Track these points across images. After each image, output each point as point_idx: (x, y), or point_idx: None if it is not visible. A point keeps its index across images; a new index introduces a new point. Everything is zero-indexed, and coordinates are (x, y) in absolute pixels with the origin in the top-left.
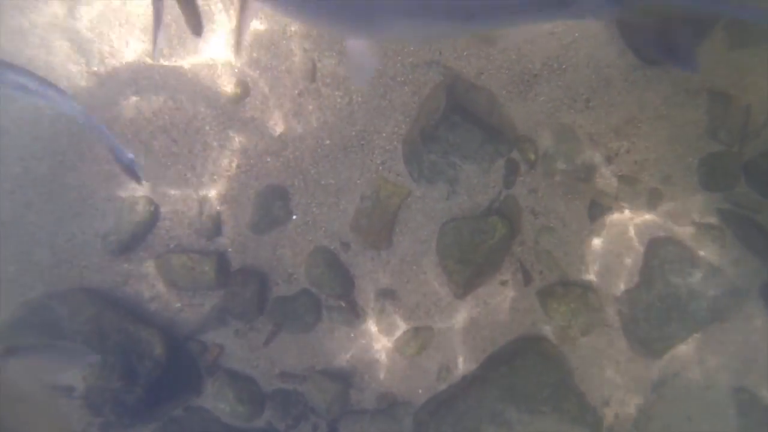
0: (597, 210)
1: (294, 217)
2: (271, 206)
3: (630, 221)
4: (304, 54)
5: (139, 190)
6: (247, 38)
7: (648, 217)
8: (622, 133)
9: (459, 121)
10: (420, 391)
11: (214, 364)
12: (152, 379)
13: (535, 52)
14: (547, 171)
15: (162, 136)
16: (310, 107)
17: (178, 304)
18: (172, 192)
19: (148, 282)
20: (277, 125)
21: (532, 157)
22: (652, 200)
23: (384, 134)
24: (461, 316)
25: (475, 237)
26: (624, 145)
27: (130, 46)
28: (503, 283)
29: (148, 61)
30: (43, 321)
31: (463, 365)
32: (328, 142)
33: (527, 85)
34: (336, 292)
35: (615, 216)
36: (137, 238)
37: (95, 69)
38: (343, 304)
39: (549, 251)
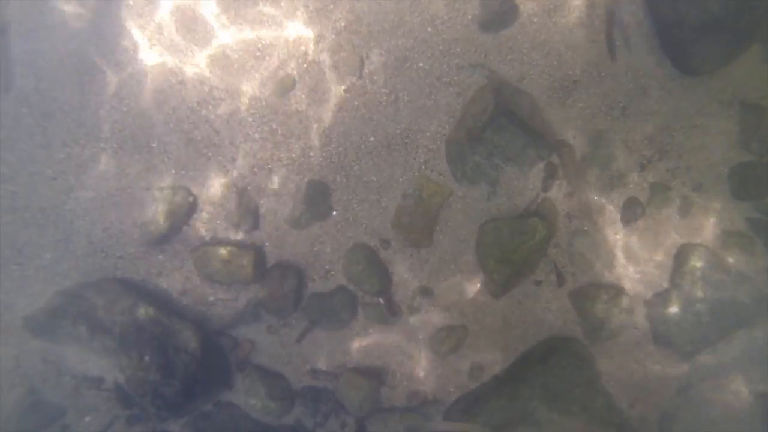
0: (629, 215)
1: (334, 213)
2: (312, 201)
3: (661, 227)
4: (352, 49)
5: (178, 180)
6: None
7: (679, 223)
8: (656, 141)
9: (505, 124)
10: (451, 389)
11: (245, 360)
12: (189, 373)
13: (576, 59)
14: (583, 176)
15: (204, 126)
16: (356, 103)
17: (212, 298)
18: (211, 183)
19: (183, 274)
20: (322, 120)
21: (572, 162)
22: (684, 207)
23: (428, 134)
24: (495, 315)
25: (515, 238)
26: (657, 153)
27: (179, 37)
28: (537, 284)
29: (195, 51)
30: (80, 310)
31: (495, 364)
32: (372, 139)
33: (566, 91)
34: (374, 289)
35: (647, 222)
36: (174, 229)
37: (142, 57)
38: (381, 302)
39: (582, 254)
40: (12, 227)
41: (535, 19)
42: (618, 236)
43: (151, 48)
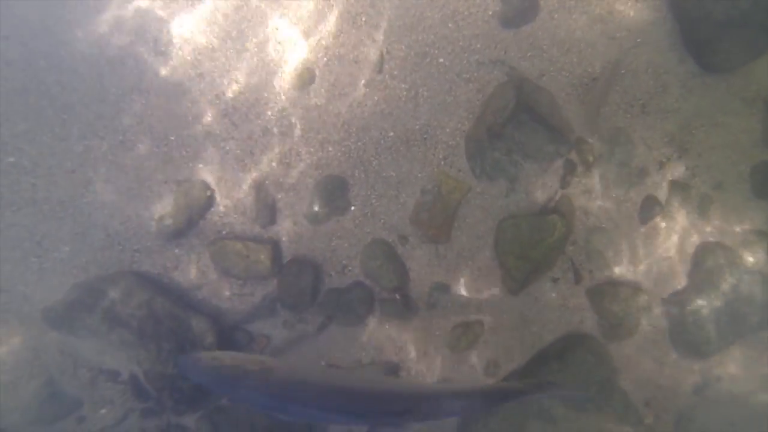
0: (648, 213)
1: (352, 208)
2: (330, 196)
3: (680, 225)
4: (373, 44)
5: (196, 174)
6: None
7: (698, 221)
8: (676, 139)
9: (526, 121)
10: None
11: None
12: None
13: (595, 56)
14: (601, 173)
15: (223, 120)
16: (376, 98)
17: (228, 293)
18: (229, 177)
19: (199, 268)
20: (341, 114)
21: (591, 159)
22: (703, 205)
23: (447, 129)
24: (512, 312)
25: (534, 234)
26: (677, 151)
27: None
28: (554, 281)
29: (215, 44)
30: (98, 303)
31: (511, 361)
32: (391, 134)
33: (585, 88)
34: (392, 285)
35: (665, 219)
36: (191, 222)
37: (162, 49)
38: (398, 297)
39: (600, 251)
40: (32, 219)
41: (556, 15)
42: (636, 234)
43: (171, 41)
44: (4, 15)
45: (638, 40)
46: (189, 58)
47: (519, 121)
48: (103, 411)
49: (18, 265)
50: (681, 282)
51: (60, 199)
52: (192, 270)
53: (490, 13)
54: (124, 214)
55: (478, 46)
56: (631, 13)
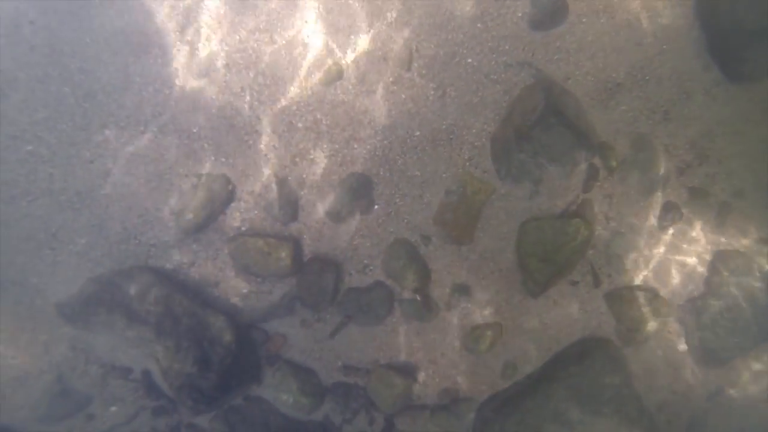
0: (667, 219)
1: (376, 207)
2: (354, 195)
3: (699, 232)
4: (402, 42)
5: (217, 167)
6: None
7: (717, 229)
8: (697, 146)
9: (554, 124)
10: (484, 387)
11: (276, 354)
12: (224, 367)
13: (621, 62)
14: (622, 178)
15: (247, 113)
16: (403, 96)
17: (245, 290)
18: (251, 172)
19: (216, 265)
20: (368, 112)
21: (614, 164)
22: (722, 213)
23: (473, 130)
24: (531, 314)
25: (558, 238)
26: (698, 158)
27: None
28: (573, 284)
29: (243, 35)
30: (114, 299)
31: (528, 363)
32: (417, 133)
33: (609, 94)
34: (413, 285)
35: (684, 226)
36: (211, 217)
37: (189, 38)
38: (418, 298)
39: (619, 256)
40: (47, 210)
41: (584, 20)
42: (655, 240)
43: (198, 31)
44: None
45: (664, 46)
46: (215, 48)
47: (547, 124)
48: (114, 409)
49: (32, 256)
50: (698, 288)
51: (77, 190)
52: (209, 266)
53: (520, 14)
54: (142, 207)
55: (507, 47)
56: (659, 20)
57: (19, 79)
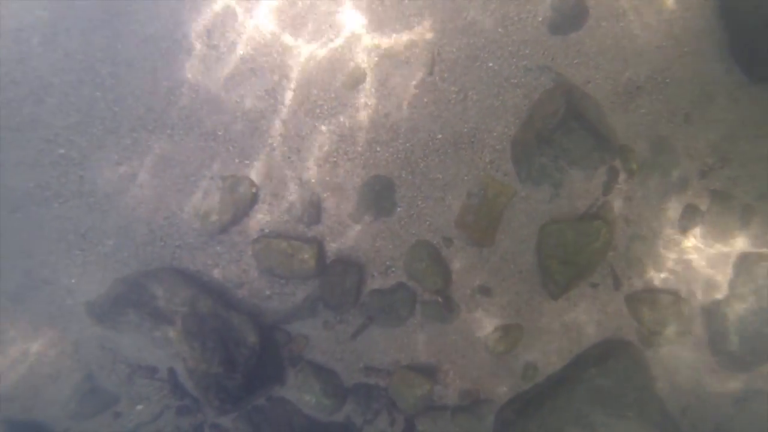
0: (688, 222)
1: (398, 209)
2: (377, 197)
3: (721, 235)
4: (425, 46)
5: (242, 170)
6: None
7: (740, 231)
8: (719, 149)
9: (575, 127)
10: (505, 389)
11: (298, 355)
12: (249, 367)
13: (641, 65)
14: (643, 181)
15: (271, 116)
16: (426, 100)
17: (268, 292)
18: (275, 175)
19: (240, 266)
20: (391, 115)
21: (635, 166)
22: (745, 216)
23: (494, 134)
24: (551, 316)
25: (579, 240)
26: (720, 161)
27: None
28: (594, 286)
29: (268, 39)
30: (141, 299)
31: (549, 365)
32: (440, 136)
33: (629, 97)
34: (435, 286)
35: (706, 229)
36: (235, 220)
37: (215, 43)
38: (440, 300)
39: (640, 258)
40: (77, 212)
41: (604, 23)
42: (676, 242)
43: (225, 34)
44: (68, 8)
45: (685, 49)
46: (241, 52)
47: (568, 127)
48: (139, 407)
49: (63, 257)
50: (722, 292)
51: (106, 192)
52: (233, 268)
53: (540, 19)
54: (169, 209)
55: (527, 51)
56: (679, 24)
57: (54, 84)
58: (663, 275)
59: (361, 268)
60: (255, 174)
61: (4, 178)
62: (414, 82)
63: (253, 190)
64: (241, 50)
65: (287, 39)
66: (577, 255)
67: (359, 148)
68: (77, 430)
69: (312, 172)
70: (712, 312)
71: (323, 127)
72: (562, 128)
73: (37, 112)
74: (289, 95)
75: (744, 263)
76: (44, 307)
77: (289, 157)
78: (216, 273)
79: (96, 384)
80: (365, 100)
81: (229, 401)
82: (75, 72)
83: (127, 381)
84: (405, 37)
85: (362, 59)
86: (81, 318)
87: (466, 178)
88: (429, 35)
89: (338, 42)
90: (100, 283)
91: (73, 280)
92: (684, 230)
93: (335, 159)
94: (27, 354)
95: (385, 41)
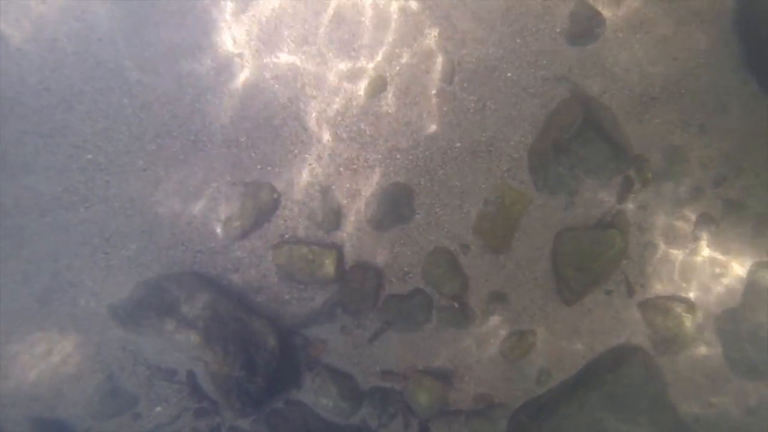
0: (702, 230)
1: (417, 216)
2: (396, 204)
3: (734, 244)
4: (445, 55)
5: (263, 176)
6: None
7: (754, 240)
8: (733, 159)
9: (593, 137)
10: (518, 393)
11: (316, 359)
12: (270, 371)
13: (656, 76)
14: (657, 190)
15: (293, 123)
16: (445, 109)
17: (287, 296)
18: (296, 181)
19: (260, 271)
20: (411, 123)
21: (649, 176)
22: (759, 225)
23: (512, 142)
24: (565, 322)
25: (594, 248)
26: (734, 171)
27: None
28: (608, 293)
29: (292, 47)
30: (163, 303)
31: (562, 371)
32: (458, 144)
33: (644, 107)
34: (452, 292)
35: (719, 238)
36: (256, 225)
37: (240, 51)
38: (456, 305)
39: (653, 266)
40: (102, 216)
41: (620, 35)
42: (690, 251)
43: (249, 43)
44: (101, 18)
45: (701, 60)
46: (265, 60)
47: (585, 137)
48: (158, 409)
49: (87, 260)
50: (736, 300)
51: (130, 197)
52: (252, 272)
53: (558, 30)
54: (191, 215)
55: (545, 62)
56: (696, 35)
57: (84, 92)
58: (676, 283)
59: (379, 273)
60: (276, 180)
61: (35, 183)
62: (434, 91)
63: (275, 196)
64: (265, 58)
65: (311, 48)
66: (593, 262)
67: (379, 156)
68: (98, 430)
69: (332, 178)
70: (726, 320)
71: (344, 135)
72: (579, 138)
73: (67, 119)
74: (311, 103)
75: (757, 272)
76: (69, 308)
77: (310, 164)
78: (235, 277)
79: (117, 385)
80: (386, 109)
81: (250, 404)
82: (105, 80)
83: (146, 383)
84: (425, 47)
85: (384, 68)
86: (103, 320)
87: (483, 185)
88: (449, 45)
89: (360, 52)
90: (122, 286)
91: (96, 283)
92: (697, 239)
93: (355, 166)
94: (51, 354)
95: (406, 51)
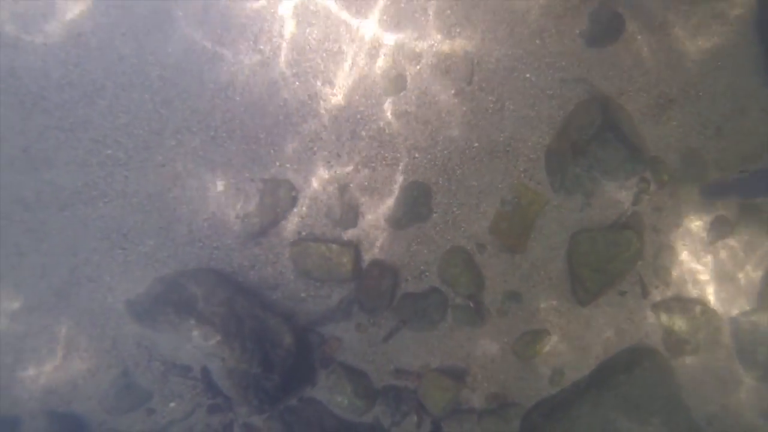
0: (717, 233)
1: (434, 214)
2: (414, 202)
3: (751, 246)
4: (464, 56)
5: (282, 173)
6: None
7: None
8: (750, 161)
9: (610, 139)
10: (531, 393)
11: (331, 357)
12: (286, 368)
13: (674, 78)
14: (672, 192)
15: (313, 121)
16: (464, 108)
17: (303, 294)
18: (314, 178)
19: (276, 269)
20: (430, 122)
21: (666, 177)
22: None
23: (529, 143)
24: (579, 322)
25: (610, 249)
26: (749, 173)
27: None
28: (622, 294)
29: (313, 44)
30: (181, 299)
31: (575, 371)
32: (476, 144)
33: (661, 109)
34: (468, 291)
35: (735, 240)
36: (274, 222)
37: (261, 47)
38: (471, 305)
39: (667, 268)
40: (120, 211)
41: (639, 37)
42: (704, 253)
43: (271, 40)
44: (125, 13)
45: (719, 63)
46: (287, 57)
47: (603, 139)
48: (172, 404)
49: (105, 256)
50: (751, 302)
51: (148, 193)
52: (269, 269)
53: (577, 31)
54: (209, 211)
55: (563, 63)
56: (715, 38)
57: (106, 87)
58: (691, 285)
59: (396, 272)
60: (295, 177)
61: (56, 177)
62: (453, 91)
63: (293, 193)
64: (286, 55)
65: (332, 46)
66: (609, 263)
67: (398, 154)
68: (112, 425)
69: (351, 176)
70: (741, 322)
71: (363, 133)
72: (598, 139)
73: (89, 114)
74: (331, 100)
75: None
76: (86, 303)
77: (329, 161)
78: (252, 275)
79: (131, 380)
80: (406, 108)
81: (267, 401)
82: (127, 75)
83: (161, 379)
84: (446, 47)
85: (404, 68)
86: (119, 315)
87: (500, 185)
88: (469, 46)
89: (381, 51)
90: (139, 281)
91: (114, 279)
92: (712, 241)
93: (374, 164)
94: (68, 348)
95: (426, 51)
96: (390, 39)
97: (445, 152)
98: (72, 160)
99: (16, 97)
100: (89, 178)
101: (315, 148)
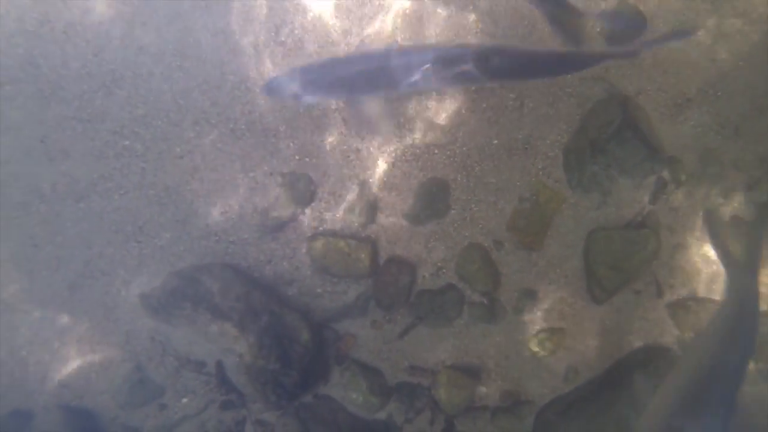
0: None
1: (452, 211)
2: (432, 199)
3: (765, 247)
4: None
5: (301, 167)
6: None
7: None
8: (767, 162)
9: (629, 137)
10: (545, 391)
11: (346, 354)
12: (304, 364)
13: (692, 77)
14: (689, 191)
15: (332, 115)
16: (484, 105)
17: (319, 290)
18: (332, 173)
19: (293, 264)
20: (450, 119)
21: (683, 177)
22: None
23: (548, 141)
24: (594, 320)
25: (627, 247)
26: (767, 174)
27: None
28: (636, 293)
29: (333, 37)
30: (197, 293)
31: (590, 369)
32: (495, 141)
33: (679, 108)
34: (485, 289)
35: None
36: (293, 217)
37: (282, 39)
38: (485, 302)
39: (682, 267)
40: (136, 203)
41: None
42: None
43: (293, 31)
44: (146, 2)
45: (739, 63)
46: (309, 49)
47: (623, 137)
48: (185, 400)
49: (120, 248)
50: (766, 302)
51: (165, 185)
52: (285, 264)
53: (598, 30)
54: (226, 204)
55: None
56: (735, 37)
57: (125, 77)
58: (706, 284)
59: (413, 268)
60: (314, 171)
61: (72, 168)
62: (473, 87)
63: (312, 187)
64: (308, 47)
65: (354, 39)
66: (626, 262)
67: (417, 150)
68: (125, 420)
69: (370, 171)
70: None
71: (383, 128)
72: (617, 138)
73: (106, 104)
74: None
75: None
76: (99, 296)
77: (348, 156)
78: (267, 269)
79: (144, 375)
80: (426, 103)
81: (285, 397)
82: (147, 66)
83: (174, 374)
84: (466, 42)
85: None
86: (133, 309)
87: (518, 183)
88: (489, 41)
89: (402, 44)
90: (154, 275)
91: (128, 272)
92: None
93: (393, 160)
94: (81, 342)
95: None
96: (411, 34)
97: (464, 149)
98: (89, 152)
99: (35, 85)
100: (105, 169)
101: (335, 143)
